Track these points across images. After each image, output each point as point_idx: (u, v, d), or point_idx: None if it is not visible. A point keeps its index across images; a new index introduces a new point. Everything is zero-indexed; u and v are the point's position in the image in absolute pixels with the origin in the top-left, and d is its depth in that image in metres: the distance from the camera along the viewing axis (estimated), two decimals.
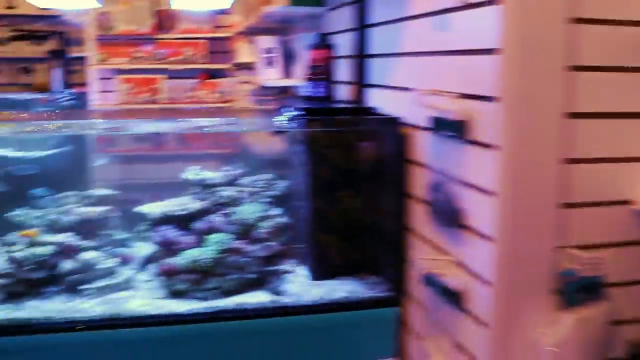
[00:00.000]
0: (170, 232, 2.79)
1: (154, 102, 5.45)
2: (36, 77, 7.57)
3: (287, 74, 3.98)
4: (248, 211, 2.78)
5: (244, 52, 4.80)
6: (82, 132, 3.34)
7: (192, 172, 3.00)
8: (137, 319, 2.61)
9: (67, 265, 2.74)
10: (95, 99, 5.78)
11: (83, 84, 6.52)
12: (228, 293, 2.74)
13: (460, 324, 2.33)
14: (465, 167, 2.23)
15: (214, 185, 2.97)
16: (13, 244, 2.77)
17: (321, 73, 3.21)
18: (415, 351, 2.75)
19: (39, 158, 4.01)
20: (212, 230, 2.79)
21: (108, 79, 5.80)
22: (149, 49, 5.56)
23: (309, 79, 3.24)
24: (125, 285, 2.81)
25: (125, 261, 2.95)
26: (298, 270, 2.98)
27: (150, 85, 5.57)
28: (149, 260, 2.98)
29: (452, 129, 2.23)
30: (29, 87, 7.41)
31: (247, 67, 5.09)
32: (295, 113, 2.87)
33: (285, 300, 2.74)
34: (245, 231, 2.78)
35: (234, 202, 2.88)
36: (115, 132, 3.61)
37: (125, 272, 2.86)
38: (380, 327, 2.79)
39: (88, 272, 2.76)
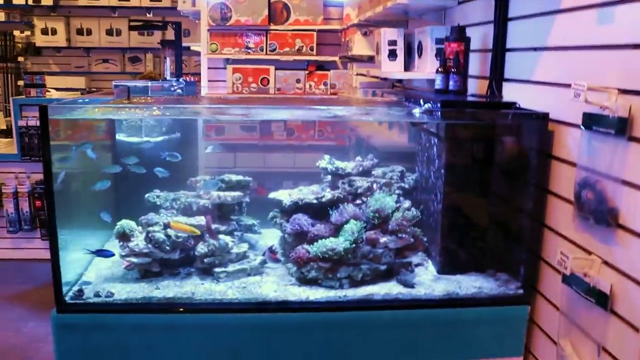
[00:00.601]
0: (305, 220, 2.78)
1: (263, 93, 5.51)
2: (145, 67, 7.78)
3: (409, 66, 3.92)
4: (383, 202, 2.75)
5: (358, 45, 4.78)
6: (220, 117, 3.38)
7: (326, 161, 2.99)
8: (270, 304, 2.63)
9: (201, 247, 2.78)
10: (205, 88, 5.89)
11: (193, 74, 6.66)
12: (358, 283, 2.72)
13: (606, 327, 2.22)
14: (624, 165, 2.12)
15: (348, 175, 2.95)
16: (151, 225, 2.83)
17: (455, 66, 3.14)
18: (546, 352, 2.66)
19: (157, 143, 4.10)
20: (346, 219, 2.76)
21: (219, 68, 5.89)
22: (260, 40, 5.62)
23: (442, 72, 3.16)
24: (256, 271, 2.83)
25: (255, 246, 2.98)
26: (425, 263, 2.94)
27: (260, 76, 5.62)
28: (280, 246, 3.00)
29: (610, 125, 2.13)
30: (138, 76, 7.61)
31: (361, 59, 5.06)
32: (430, 106, 2.81)
33: (414, 292, 2.70)
34: (379, 222, 2.75)
35: (368, 192, 2.85)
36: (248, 118, 3.64)
37: (257, 257, 2.88)
38: (510, 325, 2.71)
39: (222, 256, 2.79)
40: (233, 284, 2.73)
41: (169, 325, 2.58)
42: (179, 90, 5.96)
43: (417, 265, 2.86)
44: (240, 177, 3.04)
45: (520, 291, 2.71)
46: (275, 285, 2.74)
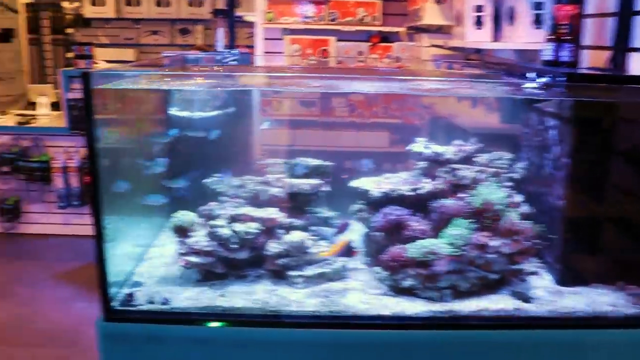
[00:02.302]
0: (399, 216, 2.19)
1: (323, 65, 4.91)
2: (195, 39, 7.22)
3: (497, 36, 3.28)
4: (492, 197, 2.14)
5: (430, 13, 4.14)
6: (293, 89, 2.79)
7: (422, 145, 2.37)
8: (357, 318, 2.05)
9: (274, 246, 2.21)
10: (260, 60, 5.31)
11: (247, 46, 6.08)
12: (463, 294, 2.13)
13: None
14: None
15: (447, 162, 2.33)
16: (214, 218, 2.27)
17: (569, 33, 2.49)
18: None
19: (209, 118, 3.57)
20: (448, 216, 2.16)
21: (275, 39, 5.29)
22: (320, 9, 5.00)
23: (553, 40, 2.52)
24: (338, 275, 2.25)
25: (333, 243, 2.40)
26: (540, 272, 2.33)
27: (320, 47, 5.02)
28: (363, 244, 2.42)
29: None
30: (188, 48, 7.05)
31: (431, 29, 4.42)
32: (549, 80, 2.19)
33: (533, 308, 2.10)
34: (489, 221, 2.14)
35: (474, 184, 2.24)
36: (332, 91, 3.04)
37: (338, 260, 2.29)
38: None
39: (298, 256, 2.22)
40: (313, 290, 2.16)
41: (236, 341, 2.04)
42: (233, 62, 5.39)
43: (531, 273, 2.25)
44: (318, 162, 2.44)
45: None
46: (363, 294, 2.16)
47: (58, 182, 5.89)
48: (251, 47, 6.04)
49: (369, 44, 5.05)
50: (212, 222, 2.20)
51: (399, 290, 2.15)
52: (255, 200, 2.39)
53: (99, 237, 2.02)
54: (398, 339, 2.03)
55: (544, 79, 2.21)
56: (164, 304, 2.08)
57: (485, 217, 2.13)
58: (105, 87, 2.01)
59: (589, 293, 2.20)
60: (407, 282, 2.12)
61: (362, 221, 2.34)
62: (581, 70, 2.56)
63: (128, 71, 2.26)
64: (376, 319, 2.05)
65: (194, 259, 2.17)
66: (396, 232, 2.19)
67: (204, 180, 2.50)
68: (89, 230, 6.86)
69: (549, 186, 2.28)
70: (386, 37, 5.10)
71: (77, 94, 5.75)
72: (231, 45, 5.50)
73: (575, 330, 2.07)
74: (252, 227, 2.20)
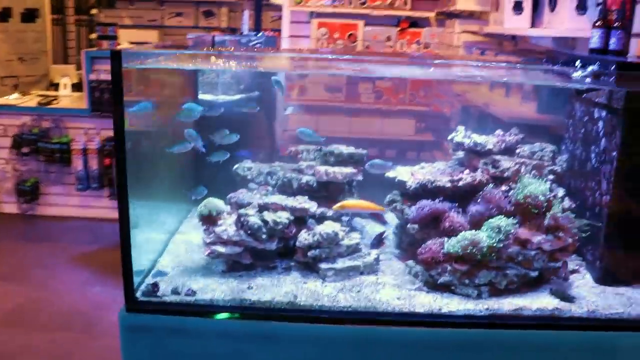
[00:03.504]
0: (438, 208, 2.10)
1: (351, 50, 4.81)
2: (220, 21, 7.13)
3: (536, 22, 3.16)
4: (536, 190, 2.04)
5: None
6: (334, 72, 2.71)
7: (461, 134, 2.28)
8: (391, 315, 1.98)
9: (305, 237, 2.14)
10: (286, 43, 5.22)
11: (272, 29, 5.99)
12: (501, 292, 2.05)
13: None
14: None
15: (489, 153, 2.24)
16: (243, 206, 2.20)
17: (619, 19, 2.38)
18: None
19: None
20: (489, 210, 2.07)
21: (302, 22, 5.19)
22: None
23: (601, 26, 2.41)
24: (370, 268, 2.18)
25: (363, 233, 2.32)
26: (581, 270, 2.24)
27: (348, 31, 4.91)
28: (396, 236, 2.34)
29: None
30: (212, 30, 6.99)
31: (463, 15, 4.30)
32: (597, 68, 2.09)
33: (574, 308, 2.01)
34: (532, 216, 2.05)
35: (516, 176, 2.14)
36: (375, 76, 2.94)
37: (371, 253, 2.22)
38: None
39: (329, 248, 2.14)
40: (344, 285, 2.08)
41: (263, 335, 1.97)
42: (258, 45, 5.31)
43: (572, 272, 2.16)
44: (352, 150, 2.35)
45: None
46: (397, 289, 2.08)
47: (77, 164, 5.86)
48: (277, 30, 5.95)
49: (398, 29, 4.94)
50: (241, 211, 2.12)
51: (434, 286, 2.07)
52: (286, 189, 2.32)
53: (124, 225, 1.95)
54: (433, 337, 1.96)
55: (590, 68, 2.12)
56: (189, 295, 2.01)
57: (527, 212, 2.04)
58: (136, 67, 1.94)
59: (632, 293, 2.11)
60: (444, 278, 2.04)
61: (397, 213, 2.25)
62: (631, 59, 2.45)
63: (159, 51, 2.18)
64: (411, 316, 1.97)
65: (221, 248, 2.11)
66: (433, 225, 2.11)
67: (235, 167, 2.43)
68: (107, 213, 6.89)
69: (592, 180, 2.18)
70: (415, 22, 4.99)
71: (100, 75, 5.71)
72: (257, 28, 5.42)
73: (616, 333, 1.98)
74: (283, 216, 2.13)
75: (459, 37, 4.24)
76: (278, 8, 6.31)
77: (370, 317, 1.97)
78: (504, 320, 1.98)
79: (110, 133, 5.71)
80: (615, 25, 2.39)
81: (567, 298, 2.03)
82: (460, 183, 2.13)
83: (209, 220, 2.16)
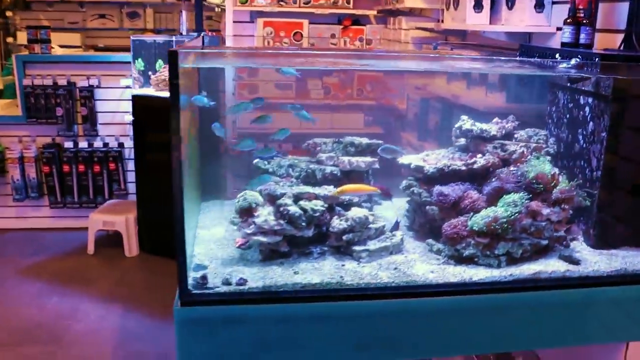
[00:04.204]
0: (456, 190, 2.32)
1: (299, 48, 4.96)
2: (145, 23, 7.04)
3: (494, 19, 3.46)
4: (542, 169, 2.31)
5: None
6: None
7: (469, 122, 2.51)
8: (430, 287, 2.18)
9: (339, 222, 2.30)
10: (230, 43, 5.28)
11: (210, 30, 6.02)
12: (517, 260, 2.31)
13: None
14: None
15: (493, 139, 2.49)
16: (277, 197, 2.32)
17: (587, 17, 2.70)
18: None
19: None
20: (501, 189, 2.32)
21: (244, 22, 5.28)
22: None
23: (571, 23, 2.72)
24: (397, 248, 2.37)
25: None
26: (579, 237, 2.54)
27: (293, 30, 5.06)
28: (408, 218, 2.55)
29: None
30: (138, 32, 6.89)
31: (406, 12, 4.57)
32: (580, 60, 2.38)
33: (581, 269, 2.30)
34: (540, 191, 2.32)
35: (522, 158, 2.40)
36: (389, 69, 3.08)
37: (397, 234, 2.41)
38: None
39: (361, 232, 2.32)
40: (380, 264, 2.27)
41: (317, 316, 2.11)
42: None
43: (572, 239, 2.45)
44: (369, 140, 2.53)
45: None
46: (427, 264, 2.29)
47: (14, 173, 5.67)
48: (213, 30, 6.00)
49: (341, 27, 5.15)
50: (280, 201, 2.25)
51: (459, 259, 2.29)
52: (310, 179, 2.46)
53: (178, 220, 2.02)
54: (466, 304, 2.18)
55: (573, 61, 2.41)
56: (240, 284, 2.12)
57: (538, 188, 2.31)
58: (193, 66, 2.02)
59: (623, 254, 2.43)
60: (469, 251, 2.27)
61: (415, 196, 2.46)
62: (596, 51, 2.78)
63: (211, 50, 2.25)
64: (447, 286, 2.19)
65: (262, 238, 2.22)
66: (454, 205, 2.33)
67: (255, 160, 2.55)
68: (48, 223, 6.74)
69: (582, 159, 2.48)
70: (357, 20, 5.22)
71: (34, 80, 5.54)
72: (199, 28, 5.45)
73: (618, 287, 2.29)
74: (318, 204, 2.28)
75: (406, 34, 4.51)
76: (210, 8, 6.37)
77: (412, 290, 2.16)
78: (525, 283, 2.24)
79: (47, 140, 5.60)
80: (584, 22, 2.71)
81: (574, 261, 2.32)
82: (475, 166, 2.37)
83: (248, 212, 2.28)
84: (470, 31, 4.09)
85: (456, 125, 2.55)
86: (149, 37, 5.34)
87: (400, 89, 3.76)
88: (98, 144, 5.75)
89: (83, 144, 5.71)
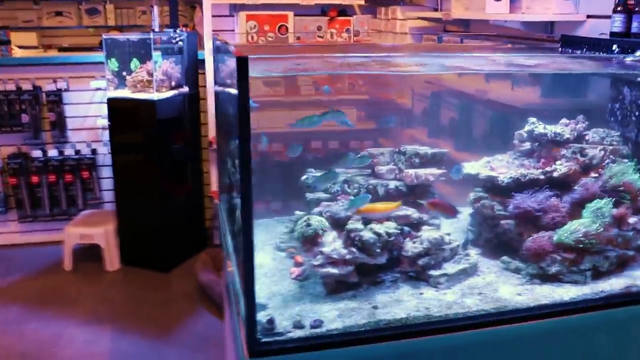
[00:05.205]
0: (539, 201, 2.08)
1: (284, 42, 4.61)
2: (106, 19, 6.52)
3: (512, 7, 3.23)
4: (625, 175, 2.09)
5: None
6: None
7: (541, 126, 2.26)
8: (520, 311, 1.93)
9: (414, 246, 2.02)
10: (209, 39, 4.88)
11: (186, 25, 5.60)
12: (602, 274, 2.09)
13: None
14: None
15: (566, 142, 2.24)
16: (341, 220, 2.03)
17: (637, 4, 2.50)
18: None
19: None
20: (586, 199, 2.09)
21: (224, 16, 4.90)
22: None
23: (622, 11, 2.51)
24: (474, 269, 2.11)
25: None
26: None
27: (278, 23, 4.71)
28: (473, 234, 2.29)
29: None
30: (102, 30, 6.39)
31: (405, 2, 4.30)
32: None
33: None
34: (626, 198, 2.10)
35: (602, 163, 2.17)
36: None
37: (471, 253, 2.15)
38: None
39: (436, 254, 2.05)
40: (462, 290, 2.00)
41: (405, 354, 1.84)
42: (180, 43, 4.96)
43: None
44: (434, 149, 2.25)
45: None
46: (510, 286, 2.04)
47: None
48: (185, 26, 5.59)
49: (327, 18, 4.84)
50: (349, 226, 1.96)
51: (543, 278, 2.06)
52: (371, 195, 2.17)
53: (247, 250, 1.71)
54: (562, 326, 1.95)
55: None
56: (316, 327, 1.82)
57: (624, 197, 2.09)
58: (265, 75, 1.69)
59: None
60: (555, 268, 2.03)
61: (483, 209, 2.20)
62: None
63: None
64: (538, 309, 1.95)
65: (333, 270, 1.93)
66: (533, 219, 2.09)
67: (303, 177, 2.24)
68: (16, 239, 6.22)
69: None
70: (344, 11, 4.91)
71: None
72: (174, 24, 5.05)
73: None
74: (391, 226, 1.99)
75: (402, 24, 4.23)
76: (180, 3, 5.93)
77: (504, 317, 1.91)
78: (618, 299, 2.02)
79: (13, 149, 5.09)
80: (636, 10, 2.50)
81: None
82: (555, 174, 2.13)
83: (313, 241, 1.97)
84: (474, 21, 3.85)
85: (525, 129, 2.31)
86: (121, 36, 4.89)
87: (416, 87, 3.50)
88: (69, 151, 5.27)
89: (53, 152, 5.22)
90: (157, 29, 5.13)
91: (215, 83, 3.20)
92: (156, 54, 4.71)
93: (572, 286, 2.03)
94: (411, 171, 2.16)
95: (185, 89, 4.96)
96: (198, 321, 4.46)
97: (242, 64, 1.58)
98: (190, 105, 5.07)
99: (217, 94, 3.07)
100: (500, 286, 2.04)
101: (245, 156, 1.64)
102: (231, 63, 1.82)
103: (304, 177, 2.26)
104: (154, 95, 4.63)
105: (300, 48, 4.09)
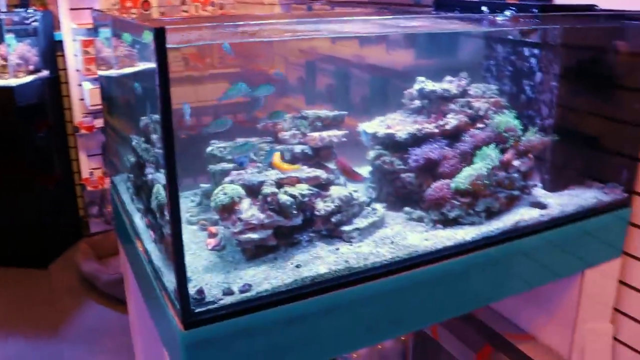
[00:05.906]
0: (432, 152, 2.21)
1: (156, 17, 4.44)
2: None
3: None
4: (508, 122, 2.29)
5: None
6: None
7: (430, 84, 2.39)
8: (431, 254, 2.08)
9: (323, 205, 2.09)
10: (67, 19, 4.57)
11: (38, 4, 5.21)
12: (495, 213, 2.28)
13: None
14: None
15: (453, 98, 2.39)
16: (254, 186, 2.05)
17: None
18: None
19: None
20: (477, 146, 2.26)
21: None
22: None
23: None
24: (382, 222, 2.22)
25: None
26: (538, 183, 2.59)
27: None
28: (379, 189, 2.40)
29: None
30: None
31: None
32: (514, 12, 2.38)
33: (551, 212, 2.34)
34: (509, 144, 2.29)
35: (486, 114, 2.35)
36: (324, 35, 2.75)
37: (376, 206, 2.25)
38: (612, 230, 2.52)
39: (346, 211, 2.13)
40: (374, 241, 2.11)
41: (331, 307, 1.92)
42: (35, 24, 4.64)
43: (533, 186, 2.48)
44: (335, 112, 2.30)
45: (622, 196, 2.51)
46: (416, 233, 2.17)
47: None
48: (37, 4, 5.21)
49: None
50: (265, 190, 1.98)
51: (445, 222, 2.21)
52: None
53: (175, 228, 1.69)
54: (466, 263, 2.12)
55: (508, 13, 2.39)
56: (245, 291, 1.84)
57: (509, 138, 2.28)
58: (182, 46, 1.65)
59: (577, 192, 2.52)
60: (455, 213, 2.19)
61: (387, 165, 2.30)
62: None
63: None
64: (445, 250, 2.10)
65: (253, 235, 1.95)
66: (431, 169, 2.23)
67: (208, 149, 2.22)
68: None
69: (531, 109, 2.50)
70: None
71: None
72: (24, 3, 4.71)
73: (584, 221, 2.39)
74: (304, 188, 2.04)
75: None
76: None
77: (416, 261, 2.05)
78: (511, 233, 2.23)
79: None
80: None
81: (544, 206, 2.35)
82: (448, 127, 2.27)
83: (230, 209, 1.97)
84: None
85: (415, 87, 2.43)
86: None
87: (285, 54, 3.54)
88: None
89: None
90: (3, 9, 4.76)
91: (97, 63, 3.04)
92: (9, 36, 4.38)
93: (470, 227, 2.20)
94: (315, 134, 2.21)
95: (45, 72, 4.66)
96: (86, 314, 4.29)
97: (160, 34, 1.54)
98: (52, 90, 4.78)
99: (104, 76, 2.93)
100: (408, 234, 2.16)
101: (168, 132, 1.61)
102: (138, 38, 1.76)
103: (209, 149, 2.25)
104: (11, 81, 4.31)
105: (169, 22, 3.96)
